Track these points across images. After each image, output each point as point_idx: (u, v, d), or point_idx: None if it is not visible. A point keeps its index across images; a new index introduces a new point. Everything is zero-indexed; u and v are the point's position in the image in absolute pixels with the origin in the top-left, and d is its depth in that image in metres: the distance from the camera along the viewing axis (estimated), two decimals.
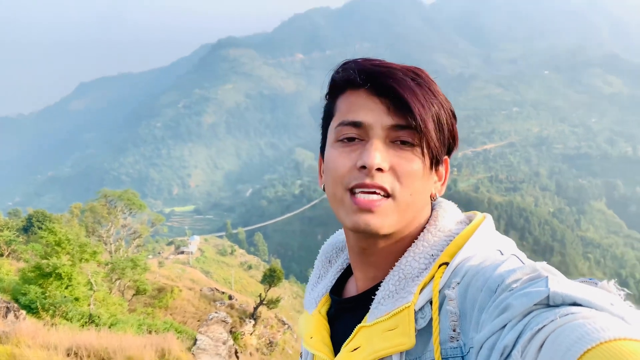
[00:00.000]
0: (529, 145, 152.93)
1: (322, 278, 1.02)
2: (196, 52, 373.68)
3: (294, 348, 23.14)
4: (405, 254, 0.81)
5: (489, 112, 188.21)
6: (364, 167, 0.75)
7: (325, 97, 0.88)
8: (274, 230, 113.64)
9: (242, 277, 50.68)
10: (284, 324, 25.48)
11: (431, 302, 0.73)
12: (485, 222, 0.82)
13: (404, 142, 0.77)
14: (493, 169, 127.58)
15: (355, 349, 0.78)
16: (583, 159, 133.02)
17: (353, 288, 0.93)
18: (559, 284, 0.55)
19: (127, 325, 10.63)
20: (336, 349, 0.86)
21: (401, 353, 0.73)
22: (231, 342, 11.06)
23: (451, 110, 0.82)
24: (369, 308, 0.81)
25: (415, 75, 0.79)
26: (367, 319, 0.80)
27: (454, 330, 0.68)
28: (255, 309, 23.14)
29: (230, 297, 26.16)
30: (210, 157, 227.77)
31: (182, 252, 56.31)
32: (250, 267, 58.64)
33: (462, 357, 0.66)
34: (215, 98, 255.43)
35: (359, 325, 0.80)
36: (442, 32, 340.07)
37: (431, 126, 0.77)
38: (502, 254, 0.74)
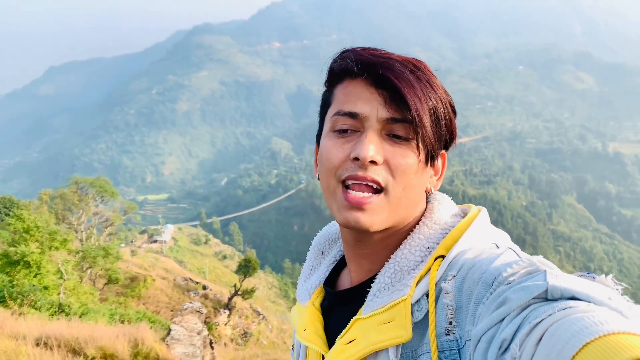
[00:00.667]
0: (503, 140, 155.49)
1: (315, 270, 1.01)
2: (170, 39, 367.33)
3: (268, 338, 23.08)
4: (401, 247, 0.80)
5: (464, 106, 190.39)
6: (357, 158, 0.75)
7: (325, 85, 0.87)
8: (249, 220, 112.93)
9: (217, 266, 50.30)
10: (259, 314, 25.38)
11: (427, 295, 0.73)
12: (480, 215, 0.81)
13: (398, 136, 0.76)
14: (468, 162, 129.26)
15: (350, 342, 0.78)
16: (555, 154, 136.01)
17: (347, 280, 0.92)
18: (557, 277, 0.55)
19: (99, 315, 10.36)
20: (330, 342, 0.86)
21: (397, 346, 0.73)
22: (206, 332, 10.90)
23: (450, 104, 0.81)
24: (364, 300, 0.80)
25: (414, 68, 0.78)
26: (363, 312, 0.79)
27: (450, 323, 0.68)
28: (230, 299, 22.96)
29: (204, 287, 25.89)
30: (185, 145, 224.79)
31: (156, 241, 55.56)
32: (224, 257, 58.24)
33: (458, 350, 0.66)
34: (189, 85, 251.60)
35: (354, 318, 0.80)
36: (418, 25, 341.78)
37: (427, 120, 0.76)
38: (498, 247, 0.74)
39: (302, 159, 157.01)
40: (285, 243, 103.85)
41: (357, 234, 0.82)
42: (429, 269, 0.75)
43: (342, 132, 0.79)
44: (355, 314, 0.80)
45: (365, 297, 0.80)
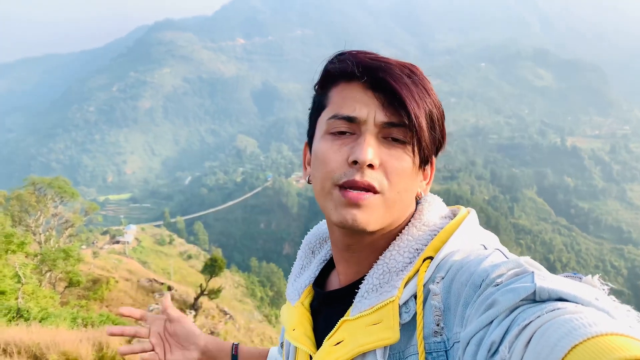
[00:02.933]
0: (466, 135, 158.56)
1: (305, 269, 1.01)
2: (131, 34, 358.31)
3: (236, 338, 22.96)
4: (390, 248, 0.80)
5: None
6: (355, 162, 0.75)
7: (315, 87, 0.87)
8: (214, 219, 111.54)
9: (182, 267, 49.58)
10: (226, 314, 25.24)
11: (415, 297, 0.73)
12: (469, 216, 0.82)
13: (395, 140, 0.77)
14: None
15: (338, 343, 0.78)
16: (516, 149, 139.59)
17: (336, 281, 0.92)
18: (545, 279, 0.55)
19: (60, 319, 10.07)
20: (319, 342, 0.86)
21: (385, 347, 0.73)
22: None
23: (442, 110, 0.81)
24: (352, 302, 0.80)
25: (411, 73, 0.78)
26: (351, 313, 0.79)
27: (438, 325, 0.68)
28: (196, 299, 22.73)
29: (169, 288, 25.53)
30: (147, 143, 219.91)
31: (118, 242, 54.29)
32: (190, 257, 57.46)
33: (446, 351, 0.66)
34: (151, 82, 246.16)
35: (342, 319, 0.80)
36: (381, 22, 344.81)
37: (424, 125, 0.76)
38: (486, 249, 0.74)
39: (268, 156, 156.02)
40: (251, 241, 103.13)
41: (348, 238, 0.82)
42: (417, 271, 0.75)
43: (339, 135, 0.79)
44: (343, 315, 0.81)
45: (354, 298, 0.80)
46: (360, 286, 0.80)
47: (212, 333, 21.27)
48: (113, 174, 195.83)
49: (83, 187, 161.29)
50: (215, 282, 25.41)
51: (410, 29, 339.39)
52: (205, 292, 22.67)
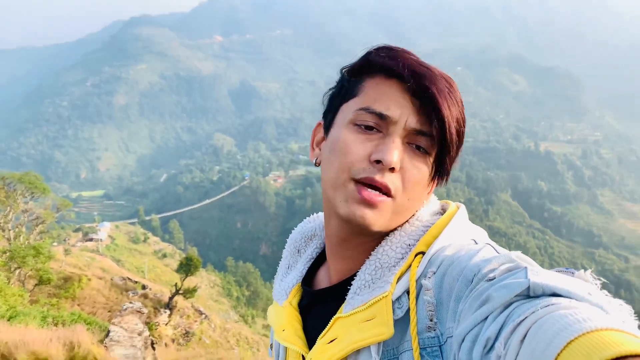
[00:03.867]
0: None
1: (292, 268, 1.00)
2: (106, 29, 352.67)
3: (211, 338, 22.69)
4: (382, 243, 0.80)
5: None
6: (378, 161, 0.74)
7: (343, 71, 0.85)
8: (190, 217, 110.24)
9: (156, 265, 48.82)
10: (201, 313, 24.88)
11: (408, 292, 0.72)
12: (459, 212, 0.82)
13: (418, 148, 0.76)
14: None
15: (331, 341, 0.77)
16: (491, 152, 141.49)
17: (325, 278, 0.92)
18: (538, 274, 0.56)
19: (29, 318, 9.68)
20: (309, 341, 0.85)
21: (379, 344, 0.72)
22: (147, 333, 10.48)
23: (465, 126, 0.80)
24: (344, 299, 0.80)
25: (449, 86, 0.77)
26: (344, 310, 0.78)
27: (431, 320, 0.68)
28: (171, 298, 22.34)
29: (143, 287, 25.04)
30: (122, 139, 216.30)
31: (91, 239, 53.16)
32: (165, 256, 56.63)
33: (440, 346, 0.66)
34: (127, 78, 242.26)
35: (335, 316, 0.79)
36: (361, 25, 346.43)
37: (454, 139, 0.76)
38: (477, 243, 0.74)
39: (245, 155, 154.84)
40: (228, 241, 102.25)
41: (345, 232, 0.81)
42: (410, 266, 0.75)
43: (365, 129, 0.77)
44: (335, 313, 0.80)
45: (346, 295, 0.80)
46: (352, 283, 0.80)
47: (186, 333, 20.94)
48: (86, 170, 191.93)
49: (55, 183, 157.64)
50: (190, 282, 25.05)
51: (389, 33, 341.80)
52: (180, 291, 22.31)
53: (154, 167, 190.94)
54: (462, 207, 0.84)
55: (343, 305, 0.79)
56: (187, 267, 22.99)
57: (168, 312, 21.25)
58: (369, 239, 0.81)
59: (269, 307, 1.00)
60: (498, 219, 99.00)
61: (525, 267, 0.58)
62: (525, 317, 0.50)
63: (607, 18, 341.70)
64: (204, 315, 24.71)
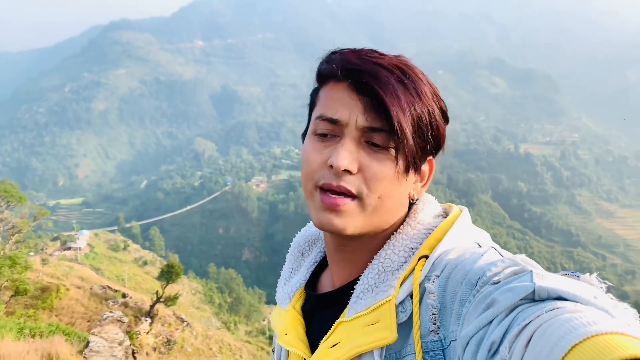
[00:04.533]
0: None
1: (295, 272, 1.00)
2: (85, 34, 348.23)
3: (193, 345, 22.52)
4: (385, 247, 0.80)
5: None
6: (332, 166, 0.74)
7: (315, 83, 0.86)
8: (171, 224, 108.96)
9: (137, 273, 48.20)
10: (183, 321, 24.62)
11: (411, 296, 0.72)
12: (462, 215, 0.81)
13: (376, 145, 0.75)
14: None
15: (334, 345, 0.77)
16: (471, 154, 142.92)
17: (328, 283, 0.91)
18: (543, 278, 0.55)
19: (5, 330, 9.49)
20: (312, 345, 0.85)
21: (382, 348, 0.72)
22: (128, 342, 10.36)
23: (441, 110, 0.79)
24: (347, 303, 0.79)
25: (402, 74, 0.76)
26: (346, 314, 0.78)
27: (434, 324, 0.67)
28: (152, 306, 22.07)
29: (124, 295, 24.69)
30: (101, 145, 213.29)
31: (69, 248, 52.21)
32: (145, 263, 55.93)
33: (443, 350, 0.66)
34: (106, 83, 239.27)
35: (338, 321, 0.79)
36: (343, 28, 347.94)
37: (409, 132, 0.74)
38: (481, 246, 0.74)
39: (227, 160, 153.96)
40: (209, 247, 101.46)
41: (338, 238, 0.83)
42: (413, 269, 0.75)
43: (323, 136, 0.78)
44: (338, 317, 0.80)
45: (349, 299, 0.79)
46: (355, 287, 0.80)
47: (168, 341, 20.72)
48: (64, 177, 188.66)
49: (32, 191, 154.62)
50: (171, 289, 24.77)
51: (371, 36, 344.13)
52: (162, 299, 22.06)
53: (134, 173, 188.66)
54: (465, 210, 0.83)
55: (346, 310, 0.79)
56: (168, 275, 22.76)
57: (149, 320, 21.00)
58: (365, 242, 0.81)
59: (272, 312, 0.99)
60: (479, 220, 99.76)
61: (531, 271, 0.57)
62: (530, 321, 0.50)
63: (583, 24, 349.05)
64: (185, 323, 24.47)
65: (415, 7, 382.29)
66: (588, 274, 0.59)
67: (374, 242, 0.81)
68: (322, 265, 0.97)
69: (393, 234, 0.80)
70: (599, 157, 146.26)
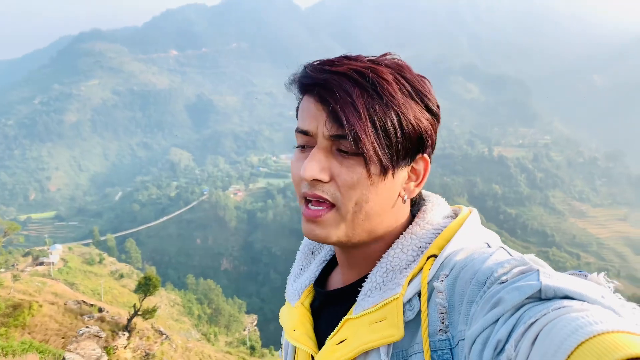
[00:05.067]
0: None
1: (305, 269, 1.01)
2: (54, 45, 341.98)
3: (172, 358, 22.05)
4: (393, 246, 0.80)
5: None
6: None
7: None
8: (147, 235, 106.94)
9: (113, 287, 47.12)
10: (162, 334, 24.09)
11: (419, 294, 0.72)
12: (471, 216, 0.82)
13: (345, 151, 0.76)
14: None
15: (341, 342, 0.77)
16: (447, 159, 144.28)
17: (338, 281, 0.92)
18: (550, 277, 0.55)
19: None
20: (320, 342, 0.85)
21: (388, 345, 0.72)
22: (105, 357, 9.97)
23: (427, 108, 0.79)
24: (355, 301, 0.80)
25: (362, 78, 0.75)
26: (354, 311, 0.79)
27: (443, 323, 0.68)
28: (129, 320, 21.53)
29: (100, 310, 24.03)
30: (74, 158, 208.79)
31: (42, 263, 50.77)
32: (122, 276, 54.72)
33: (450, 349, 0.66)
34: (78, 94, 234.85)
35: (345, 318, 0.79)
36: (317, 37, 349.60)
37: (370, 136, 0.73)
38: (490, 247, 0.74)
39: (204, 169, 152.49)
40: (187, 258, 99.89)
41: (339, 247, 0.86)
42: (421, 268, 0.75)
43: (302, 148, 0.81)
44: (346, 314, 0.80)
45: (357, 297, 0.80)
46: (363, 284, 0.80)
47: (147, 355, 20.21)
48: (35, 191, 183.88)
49: (1, 206, 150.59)
50: (149, 302, 24.24)
51: (345, 44, 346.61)
52: (139, 312, 21.56)
53: (108, 185, 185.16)
54: (475, 211, 0.84)
55: (353, 307, 0.80)
56: (145, 287, 22.33)
57: (127, 334, 20.48)
58: (370, 244, 0.81)
59: (281, 308, 1.00)
60: None
61: (537, 270, 0.58)
62: (537, 319, 0.50)
63: (551, 30, 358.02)
64: (164, 336, 23.95)
65: (387, 14, 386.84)
66: (595, 273, 0.59)
67: (381, 243, 0.82)
68: (332, 263, 0.98)
69: (402, 234, 0.81)
70: (571, 159, 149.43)
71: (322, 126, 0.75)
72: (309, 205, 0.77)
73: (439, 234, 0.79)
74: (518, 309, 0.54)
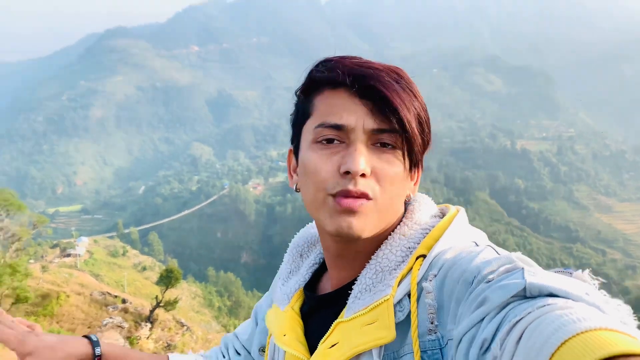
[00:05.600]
0: None
1: (294, 273, 0.99)
2: (81, 42, 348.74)
3: (193, 349, 22.62)
4: (382, 247, 0.80)
5: None
6: (347, 172, 0.74)
7: (297, 93, 0.86)
8: (169, 229, 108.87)
9: (136, 279, 48.36)
10: (183, 325, 24.81)
11: (409, 295, 0.72)
12: (459, 215, 0.82)
13: (385, 145, 0.76)
14: None
15: (333, 345, 0.77)
16: (468, 152, 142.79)
17: (328, 285, 0.91)
18: (535, 275, 0.56)
19: None
20: (311, 347, 0.85)
21: (380, 347, 0.72)
22: (128, 347, 10.56)
23: (427, 111, 0.81)
24: (346, 304, 0.80)
25: (398, 77, 0.78)
26: (345, 314, 0.78)
27: (432, 323, 0.68)
28: (152, 311, 22.28)
29: (123, 301, 24.91)
30: (99, 153, 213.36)
31: (69, 255, 52.36)
32: (144, 269, 56.06)
33: (440, 349, 0.66)
34: (103, 91, 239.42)
35: (336, 321, 0.79)
36: (336, 30, 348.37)
37: (416, 129, 0.76)
38: (478, 245, 0.75)
39: (224, 164, 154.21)
40: (208, 251, 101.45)
41: (341, 245, 0.82)
42: (411, 269, 0.75)
43: (327, 143, 0.78)
44: (336, 318, 0.80)
45: (347, 300, 0.80)
46: (353, 287, 0.80)
47: (168, 346, 20.91)
48: (63, 185, 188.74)
49: (31, 200, 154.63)
50: (171, 294, 24.98)
51: (365, 38, 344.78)
52: (161, 304, 22.29)
53: (131, 179, 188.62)
54: (462, 210, 0.84)
55: (344, 310, 0.79)
56: (167, 279, 22.99)
57: (149, 325, 21.21)
58: (365, 245, 0.81)
59: (268, 311, 0.99)
60: (477, 218, 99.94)
61: (522, 268, 0.58)
62: (522, 318, 0.50)
63: (577, 19, 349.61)
64: (185, 327, 24.66)
65: (407, 6, 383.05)
66: (581, 270, 0.59)
67: (373, 245, 0.81)
68: (323, 266, 0.96)
69: (390, 234, 0.81)
70: (597, 152, 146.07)
71: (364, 119, 0.75)
72: (343, 198, 0.75)
73: (427, 233, 0.79)
74: (503, 307, 0.55)
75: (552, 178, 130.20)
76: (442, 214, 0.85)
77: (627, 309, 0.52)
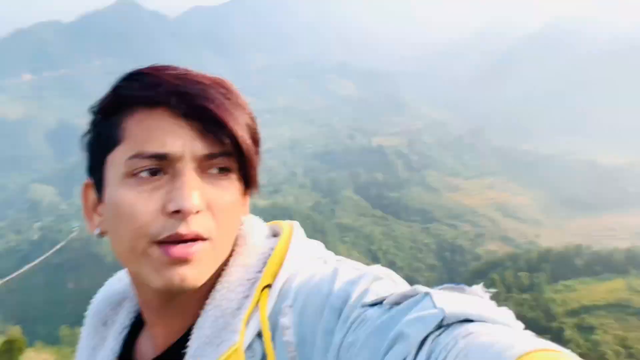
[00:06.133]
0: (284, 149, 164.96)
1: (99, 348, 0.78)
2: None
3: None
4: (218, 287, 0.65)
5: None
6: (177, 211, 0.59)
7: (95, 113, 0.69)
8: (7, 291, 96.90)
9: None
10: None
11: (261, 335, 0.61)
12: (295, 231, 0.71)
13: (221, 168, 0.64)
14: None
15: None
16: (330, 154, 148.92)
17: (149, 348, 0.72)
18: (445, 301, 0.51)
19: None
20: None
21: None
22: None
23: (254, 119, 0.69)
24: None
25: (227, 91, 0.65)
26: None
27: None
28: None
29: None
30: None
31: None
32: None
33: None
34: None
35: None
36: (188, 46, 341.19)
37: (250, 145, 0.64)
38: (326, 263, 0.68)
39: (71, 203, 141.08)
40: (59, 307, 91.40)
41: (169, 297, 0.66)
42: (257, 303, 0.63)
43: (146, 178, 0.61)
44: None
45: None
46: (188, 344, 0.64)
47: None
48: None
49: None
50: None
51: (221, 52, 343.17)
52: None
53: None
54: (296, 224, 0.73)
55: None
56: (8, 354, 19.72)
57: None
58: (198, 290, 0.64)
59: None
60: (345, 215, 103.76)
61: (429, 294, 0.52)
62: (448, 352, 0.46)
63: (411, 26, 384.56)
64: None
65: (260, 18, 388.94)
66: (474, 286, 0.56)
67: (207, 283, 0.65)
68: (135, 329, 0.77)
69: (224, 269, 0.67)
70: (441, 140, 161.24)
71: (192, 144, 0.61)
72: (173, 246, 0.60)
73: (267, 259, 0.67)
74: (422, 342, 0.49)
75: (406, 168, 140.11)
76: (274, 233, 0.74)
77: (510, 314, 0.51)
